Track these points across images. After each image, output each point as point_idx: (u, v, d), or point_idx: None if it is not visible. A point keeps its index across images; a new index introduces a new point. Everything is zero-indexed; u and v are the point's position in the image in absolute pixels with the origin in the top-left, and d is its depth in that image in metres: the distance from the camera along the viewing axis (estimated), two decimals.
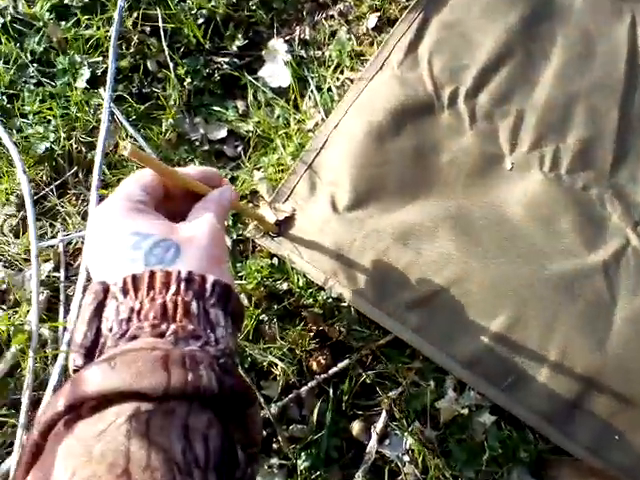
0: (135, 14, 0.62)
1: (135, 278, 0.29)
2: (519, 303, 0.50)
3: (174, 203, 0.37)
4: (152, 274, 0.29)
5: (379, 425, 0.50)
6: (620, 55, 0.59)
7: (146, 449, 0.22)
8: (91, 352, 0.28)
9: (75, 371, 0.28)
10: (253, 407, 0.28)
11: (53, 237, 0.58)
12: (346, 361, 0.51)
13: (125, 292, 0.29)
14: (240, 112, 0.61)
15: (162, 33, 0.61)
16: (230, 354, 0.29)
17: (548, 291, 0.51)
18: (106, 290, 0.29)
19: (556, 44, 0.60)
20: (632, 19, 0.60)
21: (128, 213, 0.32)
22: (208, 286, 0.30)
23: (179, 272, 0.29)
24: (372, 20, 0.63)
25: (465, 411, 0.49)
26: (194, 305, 0.29)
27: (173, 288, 0.29)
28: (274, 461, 0.49)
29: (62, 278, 0.56)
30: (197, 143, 0.60)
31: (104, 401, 0.24)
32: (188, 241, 0.32)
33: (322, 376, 0.51)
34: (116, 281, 0.29)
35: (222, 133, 0.60)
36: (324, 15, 0.65)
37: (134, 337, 0.28)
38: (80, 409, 0.24)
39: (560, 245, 0.53)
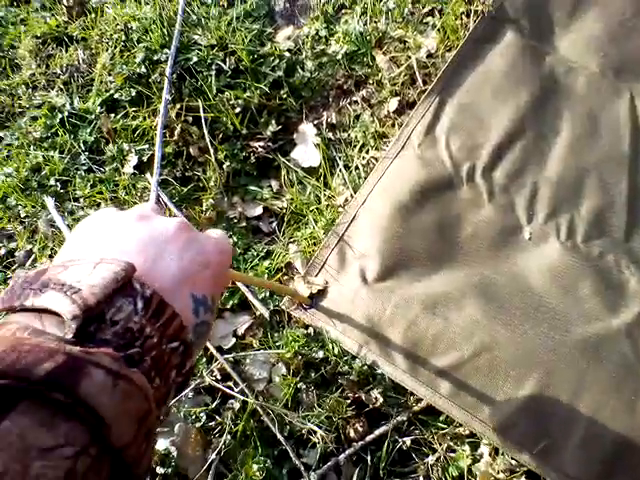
0: (178, 105, 0.77)
1: (163, 305, 0.30)
2: (546, 368, 0.58)
3: None
4: (174, 316, 0.30)
5: None
6: (624, 129, 0.71)
7: None
8: (90, 324, 0.27)
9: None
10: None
11: None
12: (383, 428, 0.59)
13: (147, 306, 0.29)
14: (274, 191, 0.73)
15: (203, 122, 0.75)
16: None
17: (575, 355, 0.59)
18: (129, 274, 0.29)
19: (564, 121, 0.72)
20: (631, 96, 0.72)
21: (217, 273, 0.35)
22: (188, 365, 0.32)
23: (189, 336, 0.32)
24: (393, 104, 0.77)
25: (502, 476, 0.55)
26: (174, 374, 0.31)
27: (175, 344, 0.30)
28: None
29: None
30: (235, 220, 0.72)
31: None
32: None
33: (359, 443, 0.59)
34: (147, 286, 0.30)
35: (258, 210, 0.72)
36: (348, 100, 0.78)
37: (135, 360, 0.28)
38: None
39: (582, 310, 0.61)
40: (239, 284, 0.66)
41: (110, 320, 0.28)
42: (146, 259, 0.32)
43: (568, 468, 0.55)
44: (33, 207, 0.74)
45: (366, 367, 0.61)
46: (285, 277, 0.68)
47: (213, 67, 0.79)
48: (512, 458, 0.56)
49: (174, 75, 0.79)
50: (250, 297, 0.65)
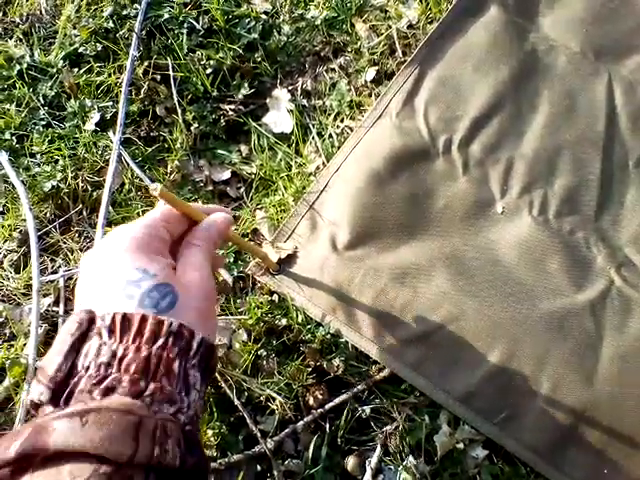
0: (146, 63, 0.79)
1: (125, 318, 0.33)
2: (511, 341, 0.63)
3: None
4: (144, 319, 0.33)
5: (373, 460, 0.60)
6: (600, 110, 0.76)
7: None
8: (60, 389, 0.31)
9: (36, 406, 0.32)
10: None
11: (54, 272, 0.70)
12: (343, 396, 0.63)
13: (111, 332, 0.32)
14: (244, 155, 0.77)
15: (172, 81, 0.78)
16: (196, 420, 0.34)
17: (539, 329, 0.63)
18: (91, 321, 0.33)
19: (542, 99, 0.77)
20: (609, 77, 0.78)
21: (144, 246, 0.37)
22: (194, 344, 0.34)
23: (171, 323, 0.33)
24: (371, 73, 0.81)
25: (461, 445, 0.59)
26: (176, 365, 0.33)
27: (161, 341, 0.33)
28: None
29: (61, 312, 0.68)
30: (201, 184, 0.75)
31: (60, 455, 0.27)
32: (185, 291, 0.37)
33: (318, 411, 0.62)
34: (104, 315, 0.33)
35: (225, 175, 0.75)
36: (325, 68, 0.82)
37: (111, 389, 0.31)
38: (33, 458, 0.27)
39: (549, 285, 0.66)
40: None
41: (83, 367, 0.32)
42: (95, 290, 0.36)
43: (525, 437, 0.59)
44: None
45: (329, 335, 0.64)
46: (252, 243, 0.71)
47: (185, 25, 0.82)
48: (472, 427, 0.60)
49: (143, 32, 0.81)
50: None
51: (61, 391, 0.31)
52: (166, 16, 0.81)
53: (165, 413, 0.31)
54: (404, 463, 0.60)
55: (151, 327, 0.33)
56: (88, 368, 0.31)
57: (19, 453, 0.27)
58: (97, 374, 0.31)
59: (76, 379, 0.31)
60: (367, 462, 0.61)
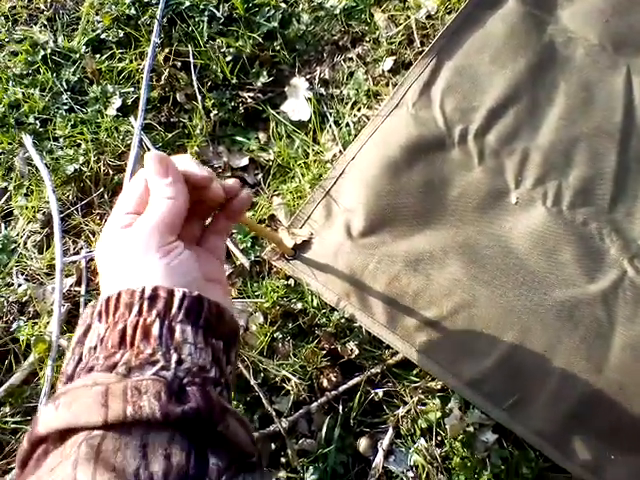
0: (167, 50, 0.81)
1: (108, 300, 0.35)
2: (522, 328, 0.64)
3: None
4: (118, 295, 0.34)
5: (385, 442, 0.62)
6: (617, 103, 0.77)
7: (91, 473, 0.27)
8: (71, 380, 0.33)
9: None
10: (222, 424, 0.32)
11: (76, 253, 0.73)
12: (356, 379, 0.65)
13: (100, 315, 0.35)
14: (262, 143, 0.78)
15: (192, 68, 0.80)
16: (200, 370, 0.34)
17: (550, 317, 0.65)
18: (93, 313, 0.35)
19: (559, 91, 0.78)
20: (627, 70, 0.78)
21: (123, 232, 0.38)
22: (175, 301, 0.35)
23: (143, 289, 0.34)
24: (388, 63, 0.82)
25: (471, 429, 0.61)
26: (156, 326, 0.34)
27: (136, 309, 0.34)
28: (282, 474, 0.62)
29: (83, 292, 0.70)
30: (220, 170, 0.76)
31: (65, 433, 0.30)
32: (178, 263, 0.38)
33: (332, 393, 0.64)
34: (97, 303, 0.35)
35: (244, 161, 0.77)
36: (343, 57, 0.84)
37: (90, 369, 0.33)
38: (47, 441, 0.30)
39: (562, 275, 0.67)
40: None
41: (83, 356, 0.34)
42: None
43: (534, 423, 0.61)
44: (10, 144, 0.78)
45: (344, 320, 0.66)
46: (268, 229, 0.73)
47: (206, 13, 0.83)
48: (482, 412, 0.62)
49: (164, 19, 0.83)
50: (231, 246, 0.71)
51: (69, 381, 0.34)
52: (187, 4, 0.83)
53: (142, 375, 0.32)
54: (415, 445, 0.62)
55: (124, 300, 0.34)
56: (85, 356, 0.34)
57: (29, 445, 0.31)
58: (86, 359, 0.34)
59: (78, 369, 0.34)
60: (379, 444, 0.63)
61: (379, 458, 0.62)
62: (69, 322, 0.69)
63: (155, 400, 0.30)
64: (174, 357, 0.33)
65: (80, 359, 0.34)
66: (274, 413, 0.63)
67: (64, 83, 0.81)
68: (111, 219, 0.40)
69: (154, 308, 0.34)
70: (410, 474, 0.61)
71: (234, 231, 0.72)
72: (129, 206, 0.39)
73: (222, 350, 0.37)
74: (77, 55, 0.82)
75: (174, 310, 0.35)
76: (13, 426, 0.63)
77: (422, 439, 0.62)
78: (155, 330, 0.34)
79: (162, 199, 0.38)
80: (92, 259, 0.72)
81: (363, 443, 0.63)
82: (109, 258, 0.38)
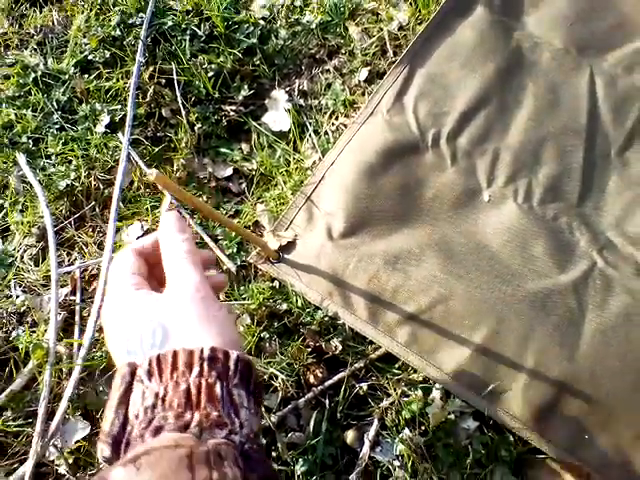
0: (152, 68, 0.85)
1: (159, 358, 0.34)
2: (497, 319, 0.68)
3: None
4: (175, 354, 0.34)
5: (371, 433, 0.65)
6: (582, 103, 0.81)
7: None
8: (118, 442, 0.33)
9: (105, 461, 0.34)
10: None
11: (70, 264, 0.76)
12: (341, 374, 0.68)
13: (150, 374, 0.34)
14: (245, 153, 0.82)
15: (176, 84, 0.84)
16: (255, 437, 0.34)
17: (524, 308, 0.68)
18: (133, 372, 0.35)
19: (527, 93, 0.82)
20: (590, 72, 0.83)
21: (137, 294, 0.39)
22: (231, 364, 0.35)
23: (202, 350, 0.35)
24: (363, 73, 0.86)
25: (452, 417, 0.64)
26: (218, 388, 0.34)
27: (196, 370, 0.34)
28: (273, 467, 0.64)
29: (78, 300, 0.73)
30: (205, 180, 0.80)
31: None
32: (176, 316, 0.37)
33: (318, 388, 0.67)
34: (142, 362, 0.35)
35: (228, 171, 0.81)
36: (320, 69, 0.88)
37: (159, 429, 0.32)
38: None
39: (534, 267, 0.71)
40: (207, 240, 0.74)
41: (134, 416, 0.34)
42: (127, 339, 0.37)
43: (512, 409, 0.64)
44: (4, 163, 0.81)
45: (327, 318, 0.69)
46: (252, 233, 0.76)
47: (187, 32, 0.88)
48: (462, 401, 0.65)
49: (148, 39, 0.87)
50: (218, 252, 0.74)
51: (119, 444, 0.33)
52: (170, 24, 0.87)
53: (217, 438, 0.32)
54: (400, 435, 0.65)
55: (183, 359, 0.34)
56: (137, 415, 0.33)
57: None
58: (145, 418, 0.33)
59: (130, 428, 0.33)
60: (365, 435, 0.66)
61: (366, 449, 0.65)
62: (65, 330, 0.72)
63: (235, 467, 0.30)
64: (237, 421, 0.34)
65: (126, 420, 0.34)
66: (264, 409, 0.66)
67: (54, 103, 0.85)
68: (117, 279, 0.41)
69: (214, 369, 0.34)
70: (396, 463, 0.64)
71: (220, 237, 0.75)
72: (135, 266, 0.41)
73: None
74: (66, 76, 0.86)
75: (230, 373, 0.35)
76: (15, 429, 0.65)
77: (406, 429, 0.65)
78: (218, 392, 0.34)
79: (190, 265, 0.40)
80: (85, 270, 0.76)
81: (350, 435, 0.66)
82: (128, 319, 0.38)
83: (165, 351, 0.35)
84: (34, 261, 0.77)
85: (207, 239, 0.74)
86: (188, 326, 0.37)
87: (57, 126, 0.84)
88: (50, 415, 0.65)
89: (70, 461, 0.61)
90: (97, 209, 0.79)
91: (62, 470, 0.61)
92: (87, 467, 0.62)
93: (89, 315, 0.70)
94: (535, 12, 0.89)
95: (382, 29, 0.88)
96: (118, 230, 0.76)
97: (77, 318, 0.72)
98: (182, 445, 0.30)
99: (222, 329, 0.37)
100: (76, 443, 0.63)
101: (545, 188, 0.76)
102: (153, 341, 0.36)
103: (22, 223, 0.78)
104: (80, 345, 0.69)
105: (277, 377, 0.67)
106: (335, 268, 0.72)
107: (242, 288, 0.73)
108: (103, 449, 0.33)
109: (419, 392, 0.66)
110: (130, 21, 0.88)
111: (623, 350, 0.65)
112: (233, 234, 0.75)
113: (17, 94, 0.85)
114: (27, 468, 0.63)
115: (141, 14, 0.88)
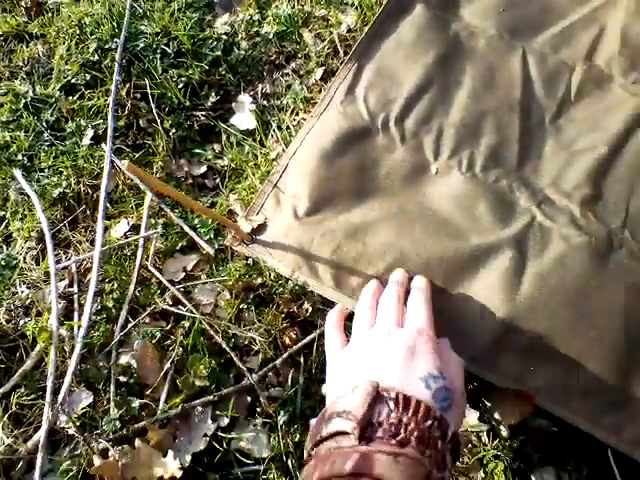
0: (128, 85, 0.96)
1: (406, 398, 0.47)
2: (446, 275, 0.76)
3: None
4: (418, 403, 0.47)
5: None
6: (516, 80, 0.90)
7: None
8: (364, 430, 0.45)
9: (338, 433, 0.46)
10: None
11: (67, 260, 0.85)
12: (312, 335, 0.76)
13: (396, 404, 0.47)
14: (217, 152, 0.92)
15: (150, 98, 0.94)
16: None
17: (470, 262, 0.76)
18: (376, 388, 0.48)
19: (466, 75, 0.92)
20: (523, 52, 0.92)
21: (434, 351, 0.56)
22: (449, 433, 0.47)
23: (436, 411, 0.47)
24: (319, 73, 0.96)
25: None
26: (439, 443, 0.45)
27: (429, 422, 0.46)
28: (258, 421, 0.72)
29: (75, 290, 0.82)
30: (183, 179, 0.90)
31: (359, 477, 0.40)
32: (456, 397, 0.52)
33: (294, 348, 0.75)
34: (389, 389, 0.48)
35: (202, 169, 0.90)
36: (280, 73, 0.98)
37: (403, 444, 0.43)
38: (360, 477, 0.40)
39: (478, 226, 0.79)
40: (187, 229, 0.83)
41: (377, 422, 0.46)
42: (381, 371, 0.52)
43: (464, 348, 0.71)
44: (3, 179, 0.91)
45: (297, 287, 0.78)
46: (226, 219, 0.85)
47: (158, 51, 0.98)
48: None
49: (124, 60, 0.98)
50: (197, 239, 0.83)
51: (364, 432, 0.45)
52: (142, 45, 0.98)
53: (439, 476, 0.42)
54: None
55: (423, 410, 0.46)
56: (381, 424, 0.45)
57: (350, 472, 0.41)
58: (390, 430, 0.44)
59: (373, 428, 0.45)
60: None
61: None
62: (66, 316, 0.81)
63: None
64: (445, 475, 0.44)
65: (371, 419, 0.46)
66: (246, 370, 0.74)
67: (44, 123, 0.95)
68: (333, 346, 0.65)
69: (439, 430, 0.46)
70: None
71: (198, 226, 0.84)
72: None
73: None
74: (53, 99, 0.96)
75: (447, 440, 0.46)
76: (29, 402, 0.74)
77: None
78: (439, 445, 0.45)
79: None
80: (80, 264, 0.85)
81: (325, 388, 0.74)
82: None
83: (412, 395, 0.47)
84: (35, 261, 0.86)
85: (187, 229, 0.83)
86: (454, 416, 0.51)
87: (48, 143, 0.94)
88: (57, 389, 0.73)
89: (78, 424, 0.70)
90: (88, 211, 0.89)
91: (71, 432, 0.69)
92: (92, 430, 0.70)
93: (85, 302, 0.79)
94: (469, 5, 0.99)
95: (332, 33, 0.99)
96: (107, 228, 0.86)
97: (76, 305, 0.81)
98: (425, 465, 0.41)
99: (460, 417, 0.56)
100: (82, 410, 0.72)
101: (486, 157, 0.85)
102: (442, 401, 0.49)
103: (22, 229, 0.87)
104: (79, 327, 0.78)
105: (256, 341, 0.76)
106: (302, 243, 0.80)
107: (221, 268, 0.81)
108: (355, 428, 0.45)
109: None
110: (106, 46, 0.99)
111: (559, 289, 0.73)
112: (210, 221, 0.84)
113: (10, 119, 0.96)
114: (41, 433, 0.71)
115: (116, 39, 0.99)
